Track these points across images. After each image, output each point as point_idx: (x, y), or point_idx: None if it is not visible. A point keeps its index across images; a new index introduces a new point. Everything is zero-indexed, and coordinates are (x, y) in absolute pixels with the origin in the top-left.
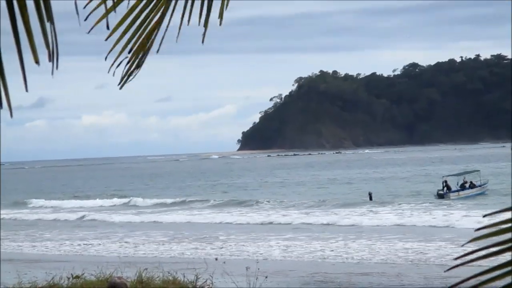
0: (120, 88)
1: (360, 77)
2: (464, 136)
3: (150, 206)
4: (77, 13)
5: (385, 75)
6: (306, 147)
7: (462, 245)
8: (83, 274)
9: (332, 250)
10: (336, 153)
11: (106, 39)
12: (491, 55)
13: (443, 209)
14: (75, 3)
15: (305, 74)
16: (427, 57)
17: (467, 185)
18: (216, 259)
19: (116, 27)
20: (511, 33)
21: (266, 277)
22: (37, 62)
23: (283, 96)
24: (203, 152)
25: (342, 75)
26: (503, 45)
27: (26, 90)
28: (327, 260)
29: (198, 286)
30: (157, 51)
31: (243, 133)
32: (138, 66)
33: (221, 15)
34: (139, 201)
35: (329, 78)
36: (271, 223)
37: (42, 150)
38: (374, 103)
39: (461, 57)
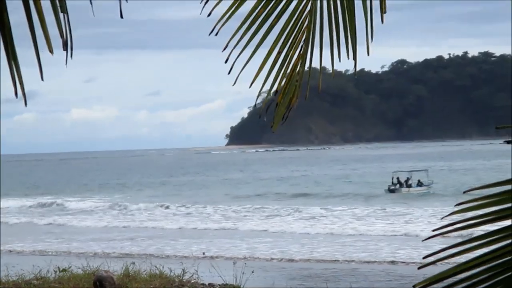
0: (273, 131)
1: (349, 73)
2: (452, 132)
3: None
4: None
5: (374, 71)
6: (295, 142)
7: (442, 218)
8: (69, 267)
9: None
10: (322, 149)
11: (250, 86)
12: (479, 52)
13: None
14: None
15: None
16: (415, 54)
17: (411, 182)
18: (204, 253)
19: (257, 72)
20: None
21: (253, 272)
22: (51, 51)
23: (272, 92)
24: (192, 147)
25: (330, 71)
26: (490, 42)
27: (42, 79)
28: (311, 258)
29: (184, 280)
30: (305, 97)
31: (231, 128)
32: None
33: (367, 49)
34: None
35: (317, 74)
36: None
37: (31, 143)
38: (363, 99)
39: (449, 54)
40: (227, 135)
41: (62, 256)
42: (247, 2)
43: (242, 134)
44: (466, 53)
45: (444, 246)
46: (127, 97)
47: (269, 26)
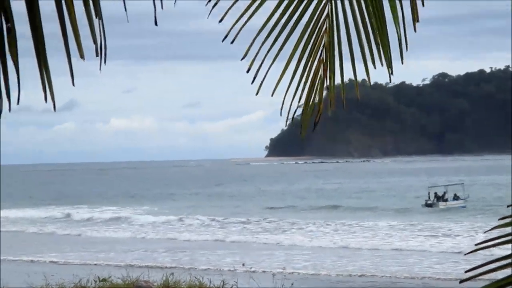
0: (302, 137)
1: (389, 86)
2: (493, 147)
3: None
4: (125, 8)
5: (414, 84)
6: (334, 154)
7: (485, 232)
8: (109, 277)
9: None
10: (362, 161)
11: (272, 95)
12: None
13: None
14: (124, 5)
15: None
16: (457, 67)
17: (448, 196)
18: (243, 264)
19: (278, 81)
20: None
21: (292, 284)
22: (82, 56)
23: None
24: (231, 158)
25: (371, 84)
26: None
27: (73, 85)
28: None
29: None
30: (343, 107)
31: (271, 139)
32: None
33: (401, 58)
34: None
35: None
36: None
37: (70, 153)
38: (403, 112)
39: (491, 67)
40: (266, 147)
41: (101, 266)
42: (259, 11)
43: (281, 146)
44: (508, 67)
45: (486, 260)
46: (167, 108)
47: (288, 32)
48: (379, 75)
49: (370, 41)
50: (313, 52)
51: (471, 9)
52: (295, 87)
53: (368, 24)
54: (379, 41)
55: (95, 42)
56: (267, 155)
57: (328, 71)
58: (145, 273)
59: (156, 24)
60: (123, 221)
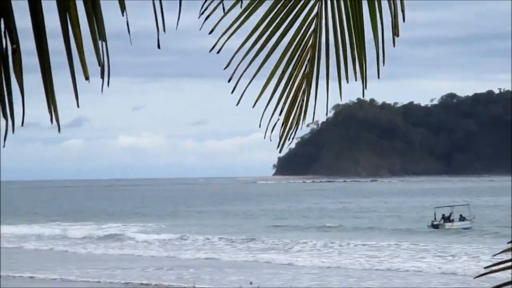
0: (280, 151)
1: (398, 105)
2: (502, 168)
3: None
4: (129, 31)
5: (423, 104)
6: (342, 174)
7: (494, 255)
8: None
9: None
10: (369, 181)
11: (253, 106)
12: None
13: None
14: (127, 25)
15: (342, 101)
16: (465, 88)
17: (453, 217)
18: (251, 283)
19: (260, 93)
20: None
21: None
22: (87, 78)
23: (320, 123)
24: (239, 176)
25: (380, 103)
26: None
27: (78, 106)
28: None
29: None
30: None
31: (278, 158)
32: (295, 126)
33: (378, 72)
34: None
35: (366, 106)
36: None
37: (78, 169)
38: (411, 132)
39: (500, 88)
40: (274, 165)
41: (106, 284)
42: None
43: (289, 165)
44: None
45: (494, 284)
46: (175, 125)
47: (273, 44)
48: (387, 94)
49: (346, 57)
50: (298, 66)
51: (480, 30)
52: (278, 100)
53: (347, 40)
54: (356, 57)
55: (100, 64)
56: (275, 174)
57: (307, 85)
58: None
59: (159, 47)
60: (128, 238)
